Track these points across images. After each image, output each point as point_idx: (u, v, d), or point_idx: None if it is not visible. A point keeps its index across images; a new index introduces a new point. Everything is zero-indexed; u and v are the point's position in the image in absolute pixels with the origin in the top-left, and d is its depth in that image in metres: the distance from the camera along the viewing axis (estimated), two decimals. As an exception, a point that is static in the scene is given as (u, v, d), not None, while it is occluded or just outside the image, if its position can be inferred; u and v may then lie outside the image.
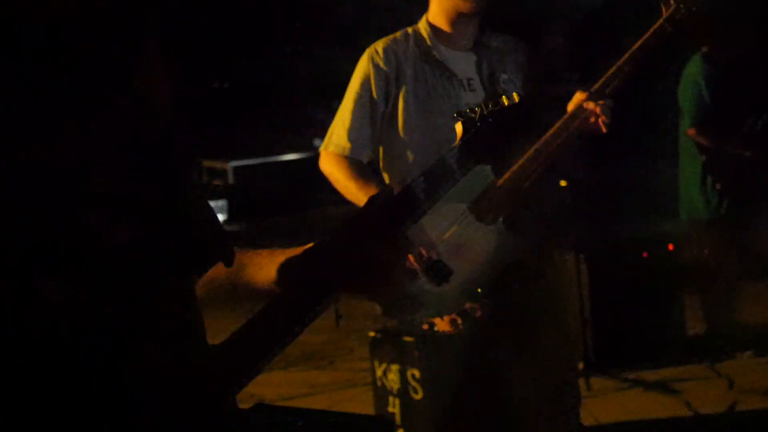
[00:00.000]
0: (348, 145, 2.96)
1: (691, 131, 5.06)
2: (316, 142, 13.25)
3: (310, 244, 1.49)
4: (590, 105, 2.80)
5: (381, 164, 3.05)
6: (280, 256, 1.49)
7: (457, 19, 2.98)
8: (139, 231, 1.22)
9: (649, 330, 5.09)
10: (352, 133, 2.96)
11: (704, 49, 5.05)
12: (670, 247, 5.31)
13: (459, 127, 1.62)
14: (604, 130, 2.83)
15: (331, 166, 2.98)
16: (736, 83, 5.01)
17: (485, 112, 1.64)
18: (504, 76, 3.01)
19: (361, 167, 2.96)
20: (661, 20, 2.89)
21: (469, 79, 2.98)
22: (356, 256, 1.43)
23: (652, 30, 2.89)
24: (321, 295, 1.42)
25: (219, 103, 13.12)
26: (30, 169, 1.15)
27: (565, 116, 2.85)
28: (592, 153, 4.50)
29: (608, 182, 6.76)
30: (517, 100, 1.68)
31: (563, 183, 4.46)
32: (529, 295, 2.97)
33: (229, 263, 1.40)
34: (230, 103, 13.44)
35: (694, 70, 5.10)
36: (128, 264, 1.21)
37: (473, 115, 1.64)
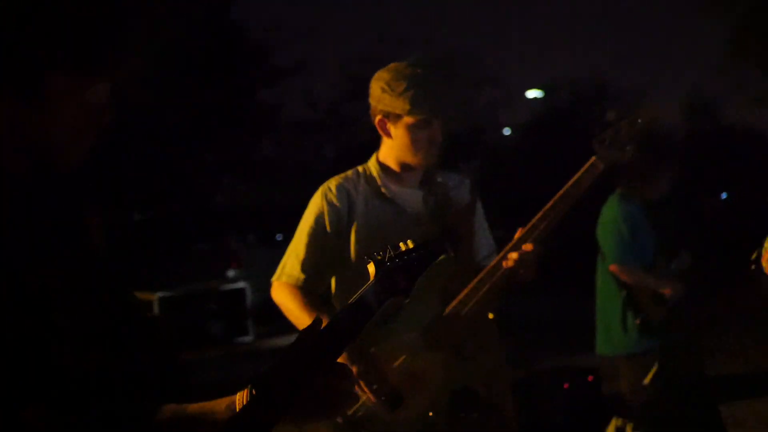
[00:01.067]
0: (302, 276, 3.08)
1: (614, 267, 5.10)
2: (229, 273, 13.31)
3: (246, 390, 1.57)
4: (514, 255, 2.93)
5: (333, 293, 3.16)
6: (228, 400, 1.57)
7: (405, 166, 3.16)
8: (105, 361, 1.35)
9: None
10: (305, 265, 3.09)
11: (619, 190, 5.21)
12: (590, 378, 5.51)
13: (371, 268, 1.90)
14: (530, 278, 2.97)
15: (284, 296, 3.10)
16: (654, 220, 5.14)
17: (392, 254, 1.94)
18: (449, 211, 3.17)
19: (313, 298, 3.07)
20: (592, 159, 3.02)
21: (417, 214, 3.13)
22: (301, 383, 1.57)
23: (582, 169, 3.02)
24: (269, 423, 1.53)
25: (141, 235, 13.16)
26: (6, 307, 1.27)
27: (493, 261, 2.99)
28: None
29: (527, 316, 6.96)
30: (411, 246, 1.98)
31: (491, 315, 4.61)
32: (482, 423, 3.07)
33: (187, 397, 1.51)
34: (152, 234, 13.48)
35: (613, 210, 5.18)
36: (96, 390, 1.34)
37: (380, 257, 1.92)
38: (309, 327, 1.68)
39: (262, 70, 21.67)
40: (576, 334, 9.95)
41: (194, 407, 1.50)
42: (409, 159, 3.12)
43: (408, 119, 3.03)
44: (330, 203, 3.10)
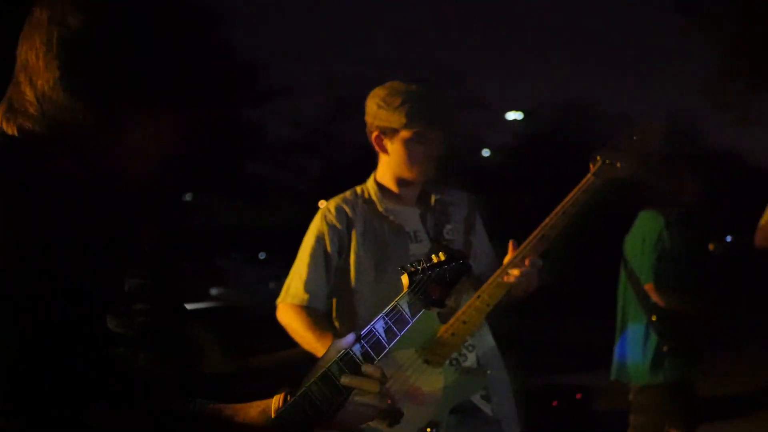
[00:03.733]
0: (306, 296, 3.10)
1: (649, 286, 4.73)
2: (212, 291, 13.32)
3: (281, 395, 1.65)
4: (515, 271, 2.93)
5: (334, 314, 3.19)
6: (264, 403, 1.65)
7: (403, 182, 3.19)
8: (153, 360, 1.41)
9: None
10: (309, 285, 3.10)
11: (653, 207, 4.88)
12: (578, 396, 5.58)
13: (405, 279, 1.95)
14: (530, 289, 2.99)
15: (289, 316, 3.12)
16: (687, 239, 4.86)
17: (425, 266, 1.99)
18: (448, 227, 3.20)
19: (317, 318, 3.09)
20: (589, 175, 3.03)
21: (415, 231, 3.16)
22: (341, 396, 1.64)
23: (580, 186, 3.02)
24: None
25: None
26: (65, 308, 1.33)
27: (495, 275, 2.97)
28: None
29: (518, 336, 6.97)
30: (443, 258, 2.04)
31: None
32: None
33: (234, 400, 1.58)
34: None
35: (650, 225, 4.85)
36: (146, 387, 1.40)
37: (413, 268, 1.97)
38: (346, 338, 1.74)
39: (249, 89, 21.75)
40: (564, 354, 10.07)
41: (229, 409, 1.56)
42: (407, 174, 3.15)
43: (404, 133, 3.08)
44: (330, 224, 3.13)
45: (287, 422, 1.57)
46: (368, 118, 3.15)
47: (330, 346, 1.75)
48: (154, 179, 1.50)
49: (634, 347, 4.79)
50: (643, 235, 4.83)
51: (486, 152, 32.42)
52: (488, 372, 3.11)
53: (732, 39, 15.66)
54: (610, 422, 7.01)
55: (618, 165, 3.06)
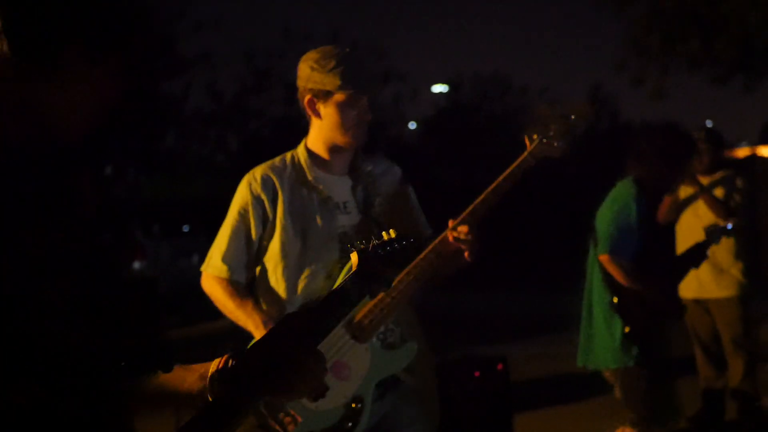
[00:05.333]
0: (224, 267, 3.09)
1: (604, 257, 4.53)
2: (135, 265, 13.14)
3: (226, 356, 1.67)
4: (451, 238, 2.95)
5: (259, 284, 3.16)
6: (202, 368, 1.67)
7: (334, 148, 3.14)
8: (90, 337, 1.35)
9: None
10: (228, 258, 3.10)
11: (632, 176, 4.72)
12: (499, 366, 5.64)
13: (354, 257, 1.90)
14: (468, 260, 2.99)
15: (211, 286, 3.13)
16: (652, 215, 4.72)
17: (376, 243, 1.95)
18: (379, 199, 3.16)
19: (237, 287, 3.09)
20: (525, 153, 3.06)
21: (344, 202, 3.13)
22: (285, 362, 1.61)
23: (516, 163, 3.05)
24: (251, 398, 1.62)
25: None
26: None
27: (429, 247, 2.97)
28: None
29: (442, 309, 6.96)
30: (394, 236, 2.01)
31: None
32: (402, 410, 3.12)
33: (167, 370, 1.56)
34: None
35: (620, 193, 4.70)
36: (81, 367, 1.36)
37: (363, 246, 1.93)
38: (296, 312, 1.75)
39: (166, 60, 21.37)
40: (486, 327, 10.22)
41: (167, 376, 1.54)
42: (339, 139, 3.10)
43: (338, 96, 3.03)
44: (255, 195, 3.09)
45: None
46: (300, 82, 3.10)
47: (283, 318, 1.72)
48: (90, 138, 1.45)
49: (600, 329, 4.61)
50: (612, 204, 4.68)
51: (412, 125, 32.57)
52: (414, 347, 3.11)
53: (644, 14, 15.97)
54: (530, 392, 7.19)
55: (555, 144, 3.08)
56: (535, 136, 3.08)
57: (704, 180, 5.82)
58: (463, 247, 2.95)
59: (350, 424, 2.97)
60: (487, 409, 5.49)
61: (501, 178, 3.03)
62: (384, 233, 2.04)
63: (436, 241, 3.00)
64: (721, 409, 5.93)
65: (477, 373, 5.54)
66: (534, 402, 6.92)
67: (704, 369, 6.03)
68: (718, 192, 5.80)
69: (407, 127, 32.24)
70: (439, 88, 31.47)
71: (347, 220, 3.11)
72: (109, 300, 1.42)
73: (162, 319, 1.52)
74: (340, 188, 3.16)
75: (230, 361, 1.63)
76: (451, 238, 2.95)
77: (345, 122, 3.07)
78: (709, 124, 21.33)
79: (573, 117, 3.13)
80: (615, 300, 4.50)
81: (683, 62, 16.26)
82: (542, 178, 4.63)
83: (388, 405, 3.09)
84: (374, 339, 3.01)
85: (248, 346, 1.73)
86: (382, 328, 3.03)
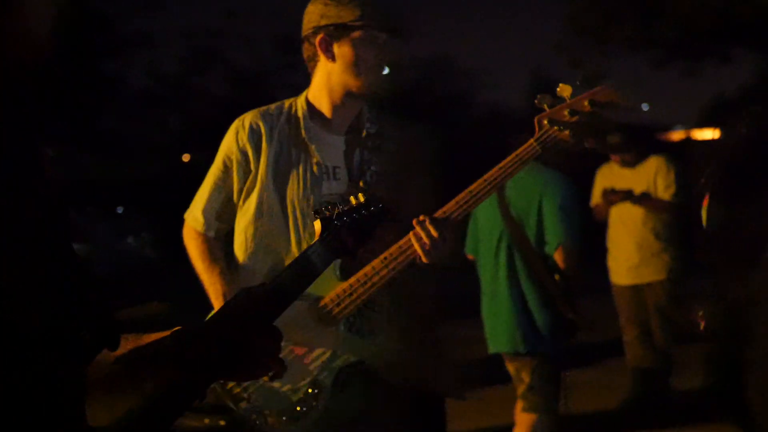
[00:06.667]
0: (201, 219, 2.86)
1: (564, 250, 4.33)
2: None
3: (177, 328, 1.54)
4: (418, 231, 2.57)
5: (234, 246, 2.89)
6: (149, 340, 1.55)
7: (342, 99, 2.80)
8: (40, 318, 1.34)
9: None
10: (206, 209, 2.86)
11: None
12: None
13: (318, 225, 1.80)
14: (425, 260, 2.59)
15: (188, 239, 2.91)
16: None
17: (341, 210, 1.84)
18: (373, 168, 2.80)
19: (210, 247, 2.87)
20: (532, 140, 2.63)
21: (334, 167, 2.79)
22: (238, 342, 1.50)
23: (519, 152, 2.62)
24: (204, 379, 1.50)
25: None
26: None
27: (403, 240, 2.60)
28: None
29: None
30: (362, 201, 1.89)
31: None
32: (367, 397, 2.78)
33: (114, 348, 1.51)
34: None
35: (568, 187, 4.46)
36: (32, 349, 1.33)
37: (328, 213, 1.83)
38: (252, 288, 1.57)
39: (105, 39, 21.04)
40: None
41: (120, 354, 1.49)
42: (351, 83, 2.75)
43: (356, 33, 2.71)
44: (241, 146, 2.81)
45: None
46: (311, 23, 2.77)
47: (238, 293, 1.56)
48: (45, 75, 1.39)
49: (536, 311, 4.40)
50: (571, 192, 4.44)
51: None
52: (380, 336, 2.79)
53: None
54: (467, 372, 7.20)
55: (567, 133, 2.64)
56: (545, 123, 2.64)
57: (630, 173, 6.06)
58: (416, 245, 2.58)
59: (304, 409, 2.70)
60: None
61: (498, 170, 2.64)
62: (352, 198, 1.91)
63: (401, 241, 2.62)
64: (654, 390, 6.05)
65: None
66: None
67: (635, 349, 6.17)
68: (643, 182, 6.01)
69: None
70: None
71: (335, 187, 2.76)
72: (65, 281, 1.38)
73: (105, 298, 1.47)
74: (333, 151, 2.81)
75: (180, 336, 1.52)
76: (413, 234, 2.58)
77: (360, 62, 2.72)
78: (645, 107, 21.60)
79: (596, 106, 2.66)
80: (557, 278, 4.33)
81: (624, 46, 16.44)
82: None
83: (352, 393, 2.76)
84: (341, 324, 2.69)
85: (205, 320, 1.61)
86: (350, 314, 2.70)
